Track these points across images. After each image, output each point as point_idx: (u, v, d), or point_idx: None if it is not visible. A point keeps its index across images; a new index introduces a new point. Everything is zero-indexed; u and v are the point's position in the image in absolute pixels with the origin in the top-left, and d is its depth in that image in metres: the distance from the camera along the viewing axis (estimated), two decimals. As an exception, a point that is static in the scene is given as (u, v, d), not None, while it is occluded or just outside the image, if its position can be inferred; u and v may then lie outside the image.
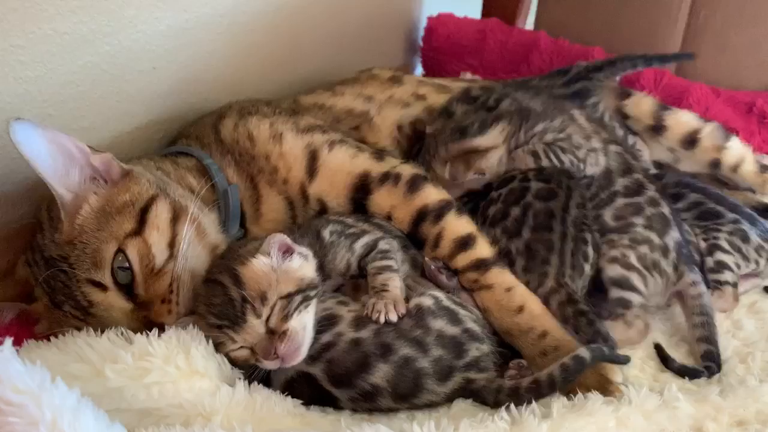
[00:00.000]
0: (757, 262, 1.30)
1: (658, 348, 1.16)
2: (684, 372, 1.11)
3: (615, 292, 1.19)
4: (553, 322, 1.11)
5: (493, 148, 1.37)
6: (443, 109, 1.56)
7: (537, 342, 1.10)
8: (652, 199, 1.26)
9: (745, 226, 1.32)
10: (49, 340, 0.99)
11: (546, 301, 1.14)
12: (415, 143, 1.55)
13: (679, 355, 1.17)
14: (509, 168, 1.35)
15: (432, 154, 1.41)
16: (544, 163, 1.31)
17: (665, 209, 1.25)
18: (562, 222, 1.21)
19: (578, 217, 1.23)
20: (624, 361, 1.05)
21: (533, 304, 1.13)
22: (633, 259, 1.20)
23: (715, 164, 1.61)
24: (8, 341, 0.71)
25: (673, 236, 1.23)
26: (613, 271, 1.20)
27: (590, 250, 1.22)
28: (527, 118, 1.38)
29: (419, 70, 2.28)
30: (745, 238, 1.30)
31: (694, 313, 1.18)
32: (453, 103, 1.54)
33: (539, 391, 0.97)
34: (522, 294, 1.14)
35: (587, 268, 1.21)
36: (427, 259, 1.17)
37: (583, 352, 1.00)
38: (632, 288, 1.19)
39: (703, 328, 1.16)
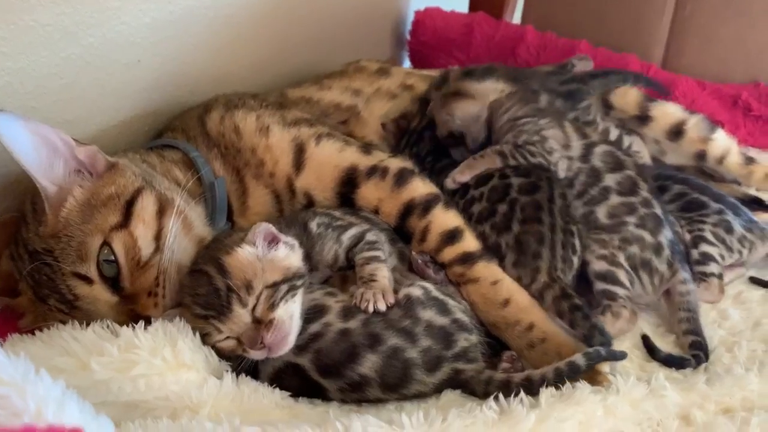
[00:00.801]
0: (740, 252, 1.30)
1: (645, 339, 1.16)
2: (671, 361, 1.11)
3: (600, 285, 1.20)
4: (539, 314, 1.11)
5: (474, 99, 1.39)
6: (423, 99, 1.57)
7: (524, 334, 1.10)
8: (645, 200, 1.25)
9: (729, 216, 1.32)
10: (33, 334, 0.97)
11: (540, 297, 1.13)
12: (401, 138, 1.55)
13: (665, 344, 1.17)
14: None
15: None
16: (511, 163, 1.30)
17: (657, 210, 1.25)
18: (549, 213, 1.21)
19: (563, 208, 1.23)
20: (621, 357, 1.04)
21: (519, 296, 1.13)
22: (621, 259, 1.20)
23: (701, 156, 1.62)
24: (-10, 334, 0.70)
25: (666, 235, 1.23)
26: (599, 266, 1.20)
27: (577, 242, 1.21)
28: (528, 102, 1.39)
29: (407, 63, 2.28)
30: (729, 229, 1.30)
31: (680, 309, 1.18)
32: (431, 91, 1.55)
33: (530, 388, 0.97)
34: (508, 287, 1.14)
35: (575, 260, 1.21)
36: (414, 253, 1.17)
37: (579, 358, 0.99)
38: (617, 282, 1.19)
39: (688, 322, 1.16)
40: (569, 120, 1.41)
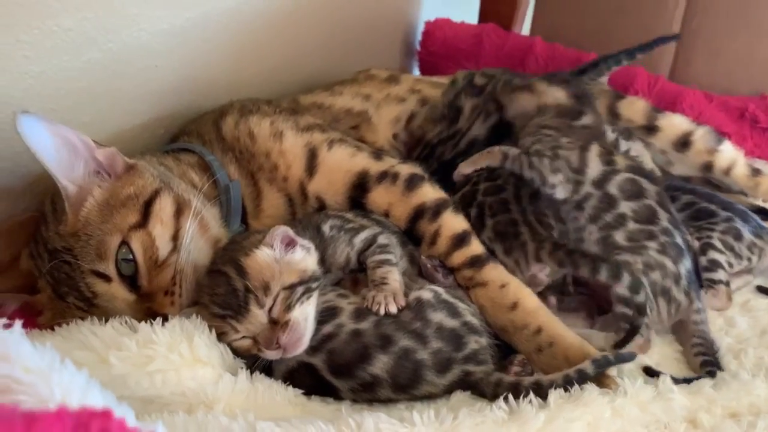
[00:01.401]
0: (749, 259, 1.31)
1: (647, 370, 1.13)
2: (686, 381, 1.08)
3: (620, 308, 1.13)
4: (547, 318, 1.12)
5: (534, 97, 1.43)
6: (448, 105, 1.57)
7: (532, 338, 1.11)
8: (665, 229, 1.22)
9: (738, 223, 1.33)
10: (53, 330, 0.99)
11: (539, 259, 1.16)
12: (415, 148, 1.56)
13: (673, 363, 1.18)
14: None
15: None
16: (508, 166, 1.32)
17: (678, 239, 1.22)
18: (518, 205, 1.25)
19: (534, 207, 1.25)
20: (629, 358, 1.05)
21: (527, 300, 1.14)
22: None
23: (708, 167, 1.63)
24: (18, 323, 0.72)
25: (686, 265, 1.21)
26: (621, 290, 1.15)
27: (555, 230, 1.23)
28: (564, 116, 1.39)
29: (416, 73, 2.31)
30: (738, 236, 1.32)
31: (694, 336, 1.17)
32: (460, 97, 1.55)
33: (539, 391, 0.98)
34: (516, 290, 1.15)
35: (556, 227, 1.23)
36: (423, 257, 1.19)
37: (588, 366, 1.01)
38: None
39: (701, 347, 1.16)
40: (600, 144, 1.35)
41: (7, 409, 0.49)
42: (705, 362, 1.13)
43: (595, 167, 1.28)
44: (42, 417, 0.48)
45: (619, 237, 1.21)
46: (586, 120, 1.38)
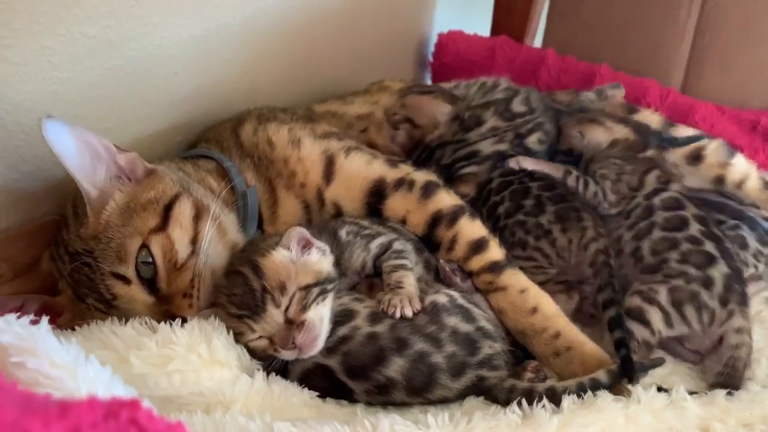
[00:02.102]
0: (755, 267, 1.32)
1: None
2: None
3: (627, 323, 1.13)
4: (566, 324, 1.14)
5: (606, 131, 1.50)
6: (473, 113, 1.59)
7: (550, 342, 1.12)
8: (692, 237, 1.21)
9: (745, 231, 1.35)
10: (73, 330, 1.01)
11: (585, 248, 1.21)
12: (413, 151, 1.57)
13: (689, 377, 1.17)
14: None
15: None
16: (569, 183, 1.39)
17: (708, 247, 1.20)
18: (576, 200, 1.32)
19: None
20: (645, 370, 1.05)
21: (547, 305, 1.16)
22: (660, 295, 1.16)
23: (720, 180, 1.64)
24: (45, 319, 0.73)
25: (721, 269, 1.17)
26: (631, 301, 1.17)
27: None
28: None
29: (429, 84, 2.33)
30: (743, 245, 1.33)
31: (725, 365, 1.12)
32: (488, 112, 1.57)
33: (553, 398, 0.99)
34: (535, 295, 1.16)
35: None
36: (441, 261, 1.20)
37: (602, 376, 1.02)
38: (644, 321, 1.15)
39: (726, 376, 1.11)
40: (662, 170, 1.41)
41: (41, 398, 0.51)
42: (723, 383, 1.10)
43: (650, 185, 1.36)
44: (74, 405, 0.49)
45: (645, 250, 1.23)
46: (650, 153, 1.49)
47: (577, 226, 1.25)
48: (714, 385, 1.10)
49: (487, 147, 1.51)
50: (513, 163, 1.43)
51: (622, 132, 1.50)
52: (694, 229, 1.23)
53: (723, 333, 1.15)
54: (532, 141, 1.52)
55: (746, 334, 1.14)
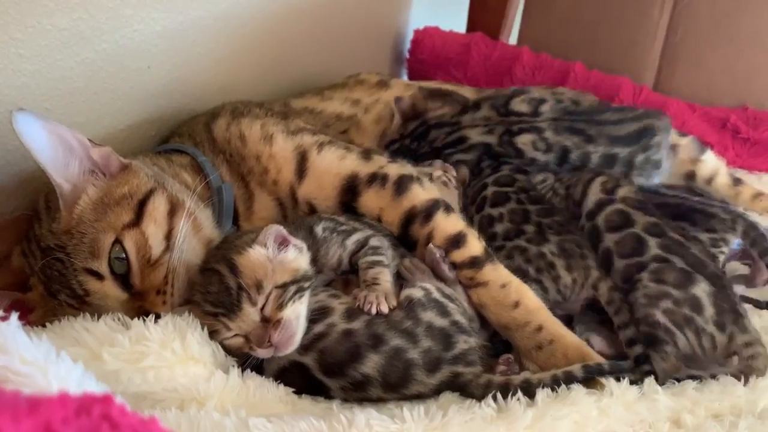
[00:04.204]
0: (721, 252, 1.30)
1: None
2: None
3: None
4: (548, 317, 1.14)
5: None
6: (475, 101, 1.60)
7: (533, 336, 1.13)
8: (657, 256, 1.18)
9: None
10: (44, 327, 0.99)
11: (595, 288, 1.19)
12: (412, 120, 1.57)
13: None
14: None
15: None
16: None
17: (677, 261, 1.16)
18: (574, 229, 1.30)
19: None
20: (623, 370, 1.05)
21: (528, 298, 1.15)
22: (659, 316, 1.11)
23: (690, 176, 1.67)
24: (14, 315, 0.72)
25: (703, 287, 1.12)
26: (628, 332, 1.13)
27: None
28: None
29: (405, 80, 2.33)
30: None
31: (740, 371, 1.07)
32: (486, 103, 1.58)
33: (528, 391, 0.99)
34: (517, 289, 1.16)
35: None
36: (431, 245, 1.19)
37: (577, 370, 1.03)
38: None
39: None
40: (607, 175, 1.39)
41: (10, 395, 0.50)
42: None
43: (594, 195, 1.33)
44: (45, 401, 0.49)
45: (617, 278, 1.20)
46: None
47: (581, 265, 1.22)
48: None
49: (475, 135, 1.52)
50: None
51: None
52: (654, 245, 1.19)
53: (732, 353, 1.10)
54: (524, 142, 1.50)
55: (758, 346, 1.08)
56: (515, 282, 1.17)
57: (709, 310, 1.10)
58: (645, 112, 1.57)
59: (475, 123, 1.52)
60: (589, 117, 1.55)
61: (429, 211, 1.24)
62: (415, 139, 1.48)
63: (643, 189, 1.42)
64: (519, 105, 1.56)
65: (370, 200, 1.27)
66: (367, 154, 1.32)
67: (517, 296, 1.15)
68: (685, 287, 1.12)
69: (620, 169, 1.49)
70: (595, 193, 1.32)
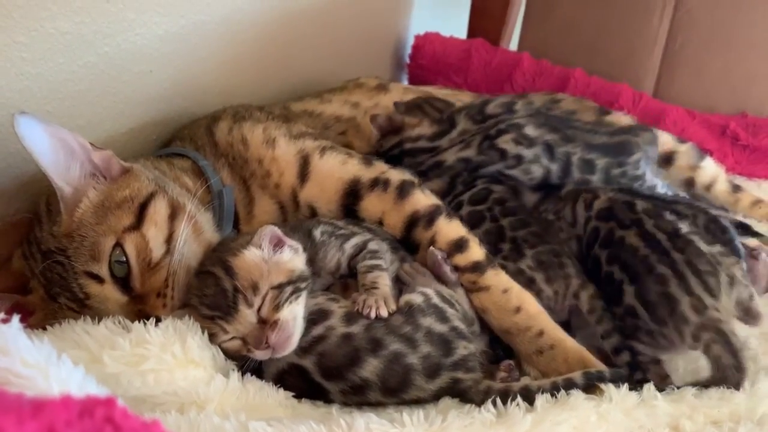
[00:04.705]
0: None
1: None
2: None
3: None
4: (549, 322, 1.15)
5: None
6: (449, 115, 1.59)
7: (534, 340, 1.13)
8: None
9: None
10: (45, 329, 1.00)
11: (576, 297, 1.19)
12: (388, 136, 1.56)
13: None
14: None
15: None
16: None
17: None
18: (551, 237, 1.29)
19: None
20: (623, 378, 1.06)
21: (530, 304, 1.16)
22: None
23: (690, 183, 1.67)
24: (16, 318, 0.72)
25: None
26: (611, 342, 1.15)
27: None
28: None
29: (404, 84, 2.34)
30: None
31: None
32: (460, 115, 1.57)
33: (527, 397, 1.00)
34: (518, 294, 1.17)
35: None
36: (432, 247, 1.20)
37: (578, 378, 1.03)
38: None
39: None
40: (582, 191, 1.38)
41: (13, 397, 0.50)
42: None
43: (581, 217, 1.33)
44: (49, 404, 0.49)
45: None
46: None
47: (561, 274, 1.21)
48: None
49: (451, 156, 1.48)
50: None
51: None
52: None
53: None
54: (505, 141, 1.45)
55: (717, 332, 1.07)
56: (516, 287, 1.18)
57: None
58: (621, 128, 1.56)
59: (453, 143, 1.49)
60: (561, 120, 1.53)
61: (432, 215, 1.24)
62: (389, 161, 1.43)
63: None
64: (493, 109, 1.56)
65: (372, 204, 1.27)
66: (368, 160, 1.34)
67: (518, 301, 1.16)
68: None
69: (600, 176, 1.46)
70: (582, 215, 1.32)
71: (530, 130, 1.46)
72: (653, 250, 1.15)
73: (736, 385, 1.04)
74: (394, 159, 1.46)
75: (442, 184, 1.45)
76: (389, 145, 1.54)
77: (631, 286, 1.14)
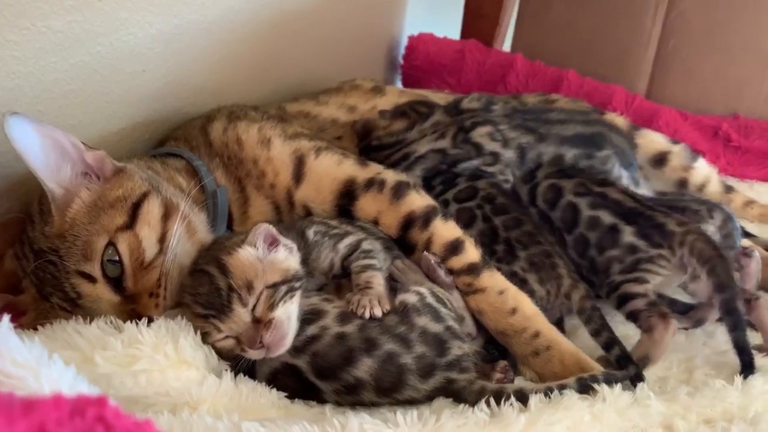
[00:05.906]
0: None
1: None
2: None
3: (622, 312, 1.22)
4: (545, 323, 1.15)
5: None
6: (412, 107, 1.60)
7: (530, 342, 1.13)
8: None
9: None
10: (36, 330, 0.99)
11: (568, 298, 1.20)
12: (363, 139, 1.57)
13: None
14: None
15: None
16: None
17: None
18: (543, 236, 1.29)
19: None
20: (617, 380, 1.05)
21: (525, 305, 1.16)
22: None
23: (682, 183, 1.68)
24: (6, 317, 0.72)
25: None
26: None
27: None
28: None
29: (399, 86, 2.34)
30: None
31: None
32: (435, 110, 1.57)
33: (522, 399, 0.99)
34: (514, 296, 1.17)
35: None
36: (425, 252, 1.19)
37: (572, 384, 1.02)
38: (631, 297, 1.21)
39: None
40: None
41: (4, 396, 0.50)
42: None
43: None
44: (40, 403, 0.48)
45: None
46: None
47: (552, 275, 1.22)
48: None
49: (423, 146, 1.47)
50: None
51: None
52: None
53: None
54: (480, 134, 1.45)
55: None
56: (512, 289, 1.18)
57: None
58: (600, 120, 1.58)
59: (423, 133, 1.49)
60: (536, 115, 1.54)
61: (427, 216, 1.24)
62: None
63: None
64: (469, 103, 1.56)
65: (368, 204, 1.27)
66: (363, 161, 1.34)
67: (514, 303, 1.16)
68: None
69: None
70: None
71: (505, 130, 1.48)
72: (634, 200, 1.32)
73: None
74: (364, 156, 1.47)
75: (419, 173, 1.46)
76: (361, 146, 1.54)
77: (628, 226, 1.26)
